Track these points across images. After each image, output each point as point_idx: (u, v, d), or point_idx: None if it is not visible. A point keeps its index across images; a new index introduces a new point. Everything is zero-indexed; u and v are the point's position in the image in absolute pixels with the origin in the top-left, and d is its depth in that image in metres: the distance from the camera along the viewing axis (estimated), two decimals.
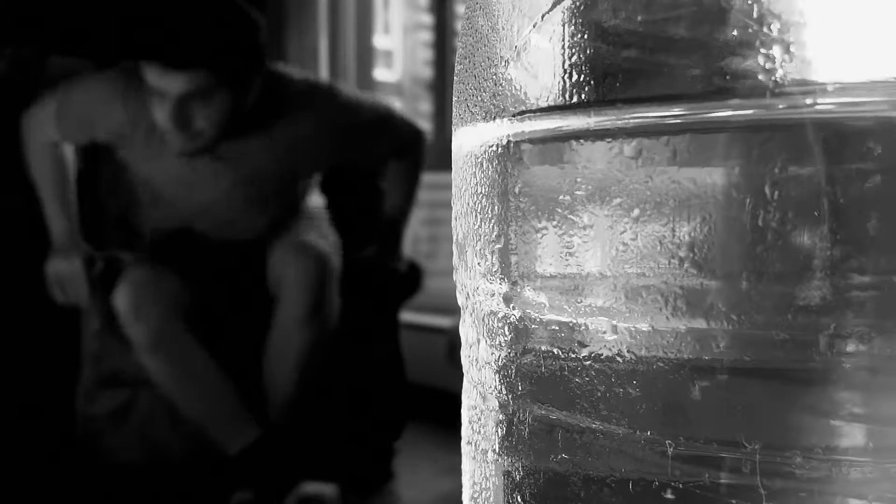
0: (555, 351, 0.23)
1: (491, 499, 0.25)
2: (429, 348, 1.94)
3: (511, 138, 0.24)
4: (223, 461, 1.39)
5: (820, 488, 0.19)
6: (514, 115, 0.24)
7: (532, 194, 0.23)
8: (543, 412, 0.23)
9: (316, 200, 1.67)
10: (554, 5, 0.22)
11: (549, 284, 0.23)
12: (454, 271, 0.28)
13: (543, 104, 0.22)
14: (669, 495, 0.20)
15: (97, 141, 1.52)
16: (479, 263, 0.26)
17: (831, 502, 0.19)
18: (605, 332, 0.21)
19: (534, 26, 0.23)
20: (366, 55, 2.59)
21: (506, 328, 0.24)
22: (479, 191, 0.25)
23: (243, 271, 1.52)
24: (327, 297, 1.49)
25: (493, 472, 0.25)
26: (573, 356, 0.22)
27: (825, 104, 0.19)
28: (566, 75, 0.22)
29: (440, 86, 2.36)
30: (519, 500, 0.24)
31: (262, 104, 1.46)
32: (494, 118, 0.24)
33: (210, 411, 1.41)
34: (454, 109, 0.28)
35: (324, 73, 2.43)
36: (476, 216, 0.25)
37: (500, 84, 0.24)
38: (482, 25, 0.25)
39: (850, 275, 0.18)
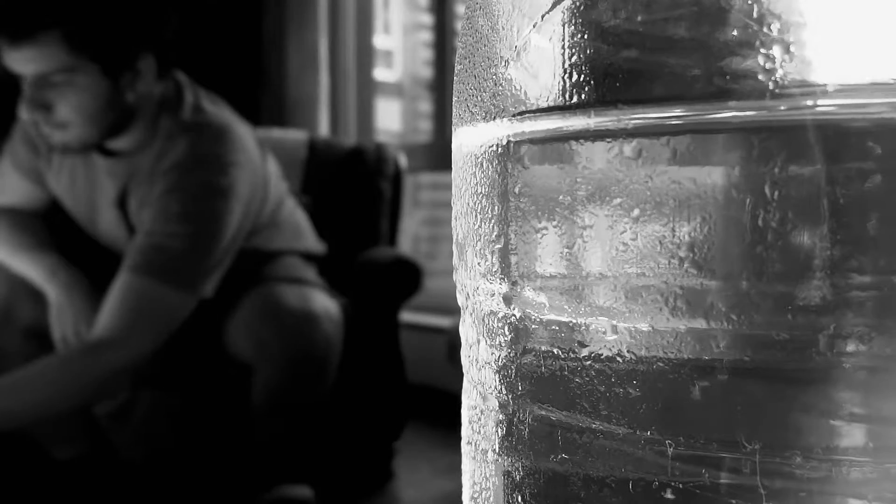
0: (555, 351, 0.23)
1: (491, 499, 0.25)
2: (429, 348, 1.94)
3: (511, 138, 0.24)
4: (226, 461, 1.39)
5: (820, 488, 0.19)
6: (514, 116, 0.24)
7: (532, 194, 0.23)
8: (543, 412, 0.23)
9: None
10: (554, 5, 0.22)
11: (549, 284, 0.23)
12: (454, 271, 0.28)
13: (543, 104, 0.22)
14: (669, 495, 0.20)
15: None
16: (479, 263, 0.25)
17: (831, 502, 0.19)
18: (605, 332, 0.21)
19: (534, 26, 0.23)
20: (366, 55, 2.59)
21: (506, 328, 0.24)
22: (479, 191, 0.25)
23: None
24: (316, 366, 1.30)
25: (493, 472, 0.25)
26: (573, 356, 0.22)
27: (825, 104, 0.19)
28: (566, 75, 0.22)
29: (440, 86, 2.37)
30: (519, 500, 0.24)
31: (162, 109, 1.25)
32: (494, 118, 0.24)
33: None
34: (454, 109, 0.28)
35: (324, 73, 2.43)
36: (476, 216, 0.25)
37: (500, 84, 0.24)
38: (482, 25, 0.25)
39: (850, 275, 0.18)
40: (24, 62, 1.15)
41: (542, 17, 0.22)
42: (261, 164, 1.33)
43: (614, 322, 0.21)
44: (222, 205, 1.22)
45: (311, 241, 1.51)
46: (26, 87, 1.17)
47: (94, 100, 1.19)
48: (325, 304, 1.33)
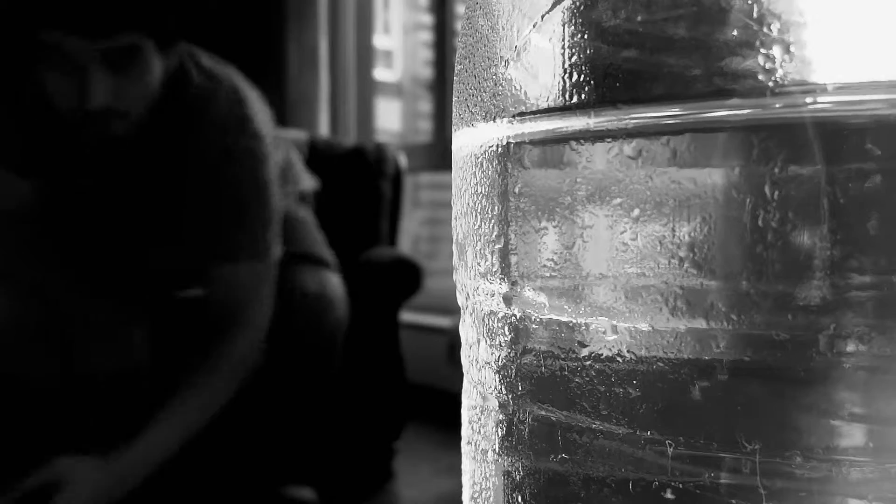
0: (555, 351, 0.23)
1: (491, 499, 0.25)
2: (429, 348, 1.94)
3: (511, 139, 0.24)
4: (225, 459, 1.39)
5: (820, 488, 0.19)
6: (513, 116, 0.24)
7: (532, 194, 0.23)
8: (543, 412, 0.23)
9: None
10: (554, 5, 0.22)
11: (549, 284, 0.23)
12: (454, 271, 0.28)
13: (543, 104, 0.22)
14: (669, 495, 0.20)
15: None
16: (479, 263, 0.25)
17: (831, 502, 0.19)
18: (605, 332, 0.21)
19: (534, 26, 0.23)
20: (366, 55, 2.59)
21: (506, 328, 0.24)
22: (479, 191, 0.25)
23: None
24: (327, 350, 1.31)
25: (493, 472, 0.25)
26: (573, 356, 0.22)
27: (825, 104, 0.19)
28: (566, 75, 0.22)
29: (440, 86, 2.37)
30: (519, 500, 0.24)
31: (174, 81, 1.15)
32: (494, 118, 0.24)
33: None
34: (454, 109, 0.28)
35: (324, 73, 2.43)
36: (476, 216, 0.25)
37: (500, 84, 0.24)
38: (482, 25, 0.25)
39: (850, 275, 0.18)
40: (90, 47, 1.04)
41: (542, 17, 0.22)
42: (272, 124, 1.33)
43: (614, 322, 0.21)
44: (262, 170, 1.19)
45: (306, 180, 1.50)
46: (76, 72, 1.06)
47: (155, 82, 1.09)
48: (338, 286, 1.35)
